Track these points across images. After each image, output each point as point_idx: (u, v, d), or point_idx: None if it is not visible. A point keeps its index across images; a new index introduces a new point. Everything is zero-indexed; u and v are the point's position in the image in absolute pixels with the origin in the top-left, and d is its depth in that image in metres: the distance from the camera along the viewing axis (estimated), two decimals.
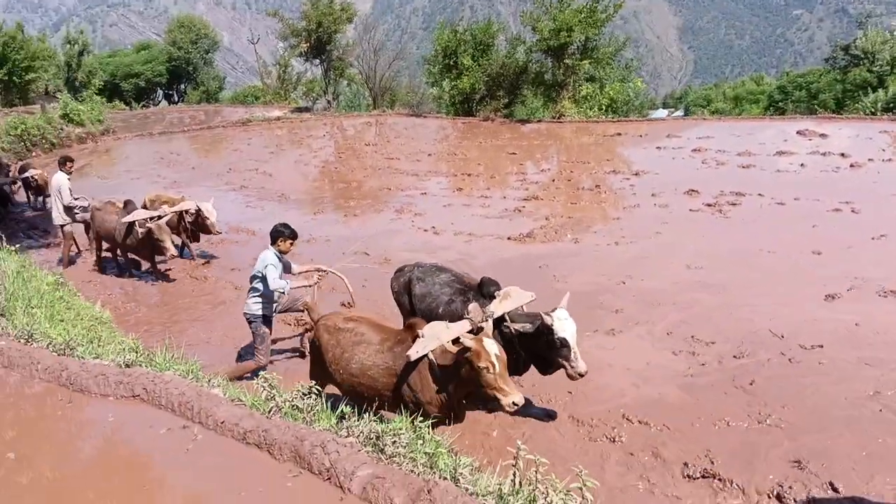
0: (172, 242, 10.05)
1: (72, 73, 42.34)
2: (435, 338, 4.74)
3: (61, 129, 25.79)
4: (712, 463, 5.10)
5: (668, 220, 11.91)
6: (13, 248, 9.17)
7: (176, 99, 50.22)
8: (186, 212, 10.48)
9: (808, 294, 8.19)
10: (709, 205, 12.63)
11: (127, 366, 4.92)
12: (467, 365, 4.55)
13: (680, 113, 63.50)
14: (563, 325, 5.16)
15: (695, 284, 8.82)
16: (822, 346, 6.74)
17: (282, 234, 6.53)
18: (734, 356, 6.71)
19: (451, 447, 4.04)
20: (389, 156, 20.54)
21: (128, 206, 10.07)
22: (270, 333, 6.87)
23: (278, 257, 6.54)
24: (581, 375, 5.21)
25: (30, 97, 35.99)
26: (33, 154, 22.97)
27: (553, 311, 5.25)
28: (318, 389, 4.45)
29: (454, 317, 5.56)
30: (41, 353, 5.36)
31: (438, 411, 4.80)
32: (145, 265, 10.80)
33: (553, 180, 15.87)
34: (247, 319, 6.73)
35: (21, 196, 16.07)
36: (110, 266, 11.24)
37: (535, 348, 5.34)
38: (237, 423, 4.09)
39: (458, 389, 4.76)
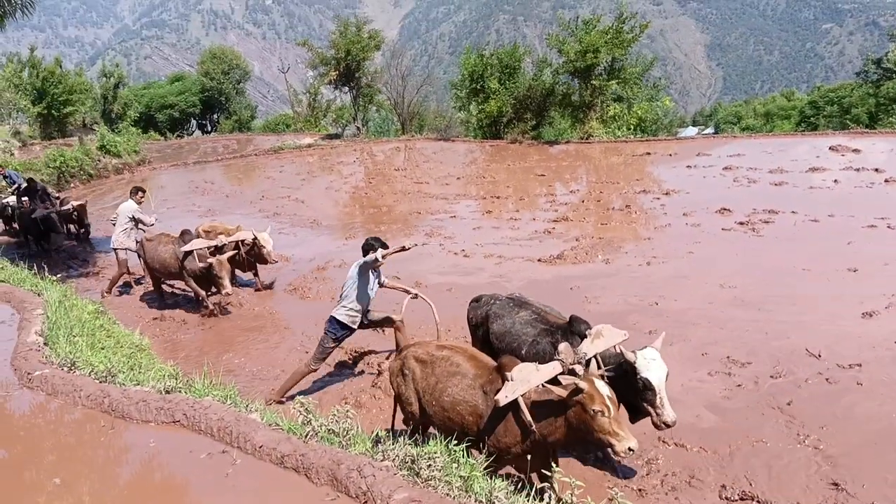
0: (230, 280, 9.83)
1: (108, 106, 43.46)
2: (525, 381, 4.40)
3: (99, 160, 26.47)
4: (751, 485, 5.03)
5: (701, 239, 11.83)
6: (54, 278, 9.43)
7: (209, 129, 51.24)
8: (243, 242, 10.37)
9: (845, 312, 8.07)
10: (741, 223, 12.52)
11: (167, 392, 5.03)
12: (577, 408, 4.17)
13: (710, 130, 63.13)
14: (649, 366, 4.73)
15: (729, 304, 8.74)
16: (860, 366, 6.63)
17: (373, 248, 6.50)
18: (771, 376, 6.62)
19: (486, 471, 4.06)
20: (419, 180, 20.71)
21: (184, 235, 10.01)
22: (337, 345, 6.99)
23: (371, 271, 6.68)
24: (668, 425, 4.78)
25: (68, 130, 37.05)
26: (72, 185, 23.61)
27: (642, 349, 4.87)
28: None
29: (540, 359, 5.08)
30: (84, 380, 5.51)
31: (518, 456, 4.49)
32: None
33: (583, 201, 15.87)
34: (326, 323, 6.90)
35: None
36: (152, 297, 11.23)
37: (617, 390, 4.56)
38: (275, 448, 4.16)
39: (559, 435, 4.36)
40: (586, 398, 4.10)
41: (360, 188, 20.88)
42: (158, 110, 47.70)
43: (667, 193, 15.57)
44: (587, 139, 25.33)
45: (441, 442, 4.14)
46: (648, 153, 21.66)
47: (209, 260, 9.49)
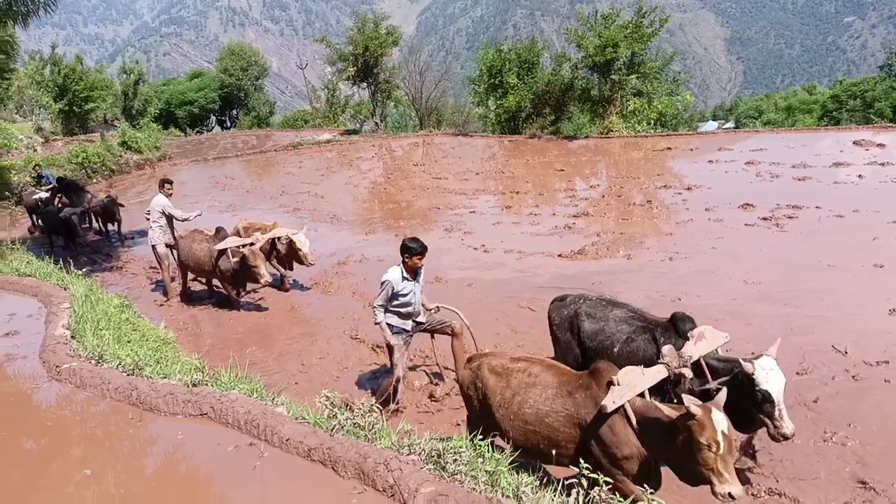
0: (266, 269, 9.63)
1: (128, 102, 43.90)
2: (631, 386, 4.17)
3: (120, 156, 26.76)
4: (776, 481, 5.00)
5: (724, 234, 11.72)
6: (80, 272, 9.54)
7: (228, 124, 51.61)
8: (279, 239, 10.26)
9: (872, 308, 7.96)
10: (765, 218, 12.39)
11: (194, 385, 5.08)
12: (684, 433, 3.80)
13: (731, 125, 62.60)
14: (768, 377, 4.40)
15: (753, 300, 8.65)
16: (887, 363, 6.55)
17: (409, 250, 6.19)
18: (796, 373, 6.55)
19: (511, 465, 4.06)
20: (437, 175, 20.71)
21: (219, 232, 9.90)
22: (405, 346, 6.60)
23: (402, 275, 6.24)
24: (786, 437, 4.46)
25: (89, 126, 37.51)
26: (94, 181, 23.85)
27: (757, 357, 4.55)
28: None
29: (633, 357, 5.04)
30: (111, 373, 5.57)
31: (635, 472, 4.13)
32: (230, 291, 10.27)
33: (603, 196, 15.78)
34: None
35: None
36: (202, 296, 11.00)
37: (731, 400, 4.20)
38: (302, 441, 4.19)
39: (662, 455, 4.08)
40: (696, 426, 3.72)
41: (378, 183, 20.91)
42: (178, 106, 48.13)
43: (688, 188, 15.45)
44: (607, 134, 25.19)
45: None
46: (669, 148, 21.50)
47: (243, 251, 9.40)
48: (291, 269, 10.78)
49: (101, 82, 38.09)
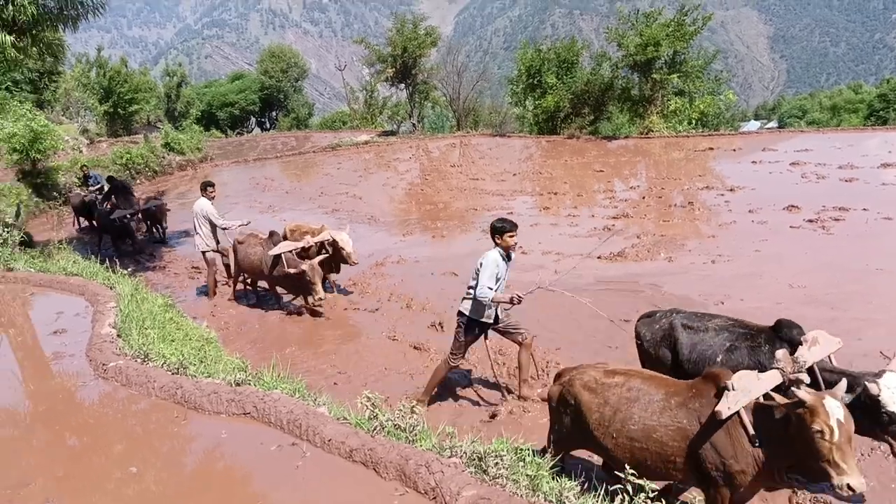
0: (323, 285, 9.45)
1: (171, 104, 44.83)
2: (746, 391, 3.90)
3: (163, 157, 27.31)
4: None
5: (768, 237, 11.48)
6: (125, 272, 9.73)
7: (268, 126, 52.35)
8: (326, 242, 10.02)
9: None
10: (810, 220, 12.11)
11: (237, 384, 5.13)
12: (796, 424, 3.62)
13: (774, 124, 61.41)
14: (894, 397, 4.13)
15: (798, 304, 8.45)
16: None
17: (499, 230, 6.12)
18: None
19: (553, 470, 4.02)
20: (474, 176, 20.68)
21: (272, 237, 9.90)
22: (475, 341, 6.47)
23: (503, 257, 6.16)
24: None
25: (133, 127, 38.40)
26: (137, 181, 24.33)
27: (879, 375, 4.27)
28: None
29: (737, 368, 4.62)
30: (157, 372, 5.67)
31: (751, 483, 3.91)
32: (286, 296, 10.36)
33: (643, 197, 15.59)
34: (458, 315, 6.43)
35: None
36: (247, 297, 10.83)
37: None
38: (343, 441, 4.21)
39: (778, 455, 3.81)
40: (808, 413, 3.52)
41: (416, 184, 20.97)
42: (219, 108, 48.97)
43: (731, 190, 15.18)
44: (647, 134, 24.90)
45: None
46: (711, 148, 21.15)
47: (302, 267, 9.15)
48: (338, 271, 10.56)
49: (144, 84, 38.99)
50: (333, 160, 27.78)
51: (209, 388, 5.10)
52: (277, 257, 9.47)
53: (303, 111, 51.94)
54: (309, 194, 20.43)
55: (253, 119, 53.23)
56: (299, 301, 9.98)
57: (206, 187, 10.43)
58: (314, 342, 8.79)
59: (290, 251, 9.55)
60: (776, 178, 16.13)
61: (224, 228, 10.46)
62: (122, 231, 14.24)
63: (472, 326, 6.33)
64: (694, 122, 25.76)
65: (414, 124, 36.50)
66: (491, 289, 5.94)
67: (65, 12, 11.84)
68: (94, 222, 16.07)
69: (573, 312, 8.45)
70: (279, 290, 10.28)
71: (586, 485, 4.15)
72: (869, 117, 43.76)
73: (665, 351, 5.57)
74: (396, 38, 33.63)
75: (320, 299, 9.24)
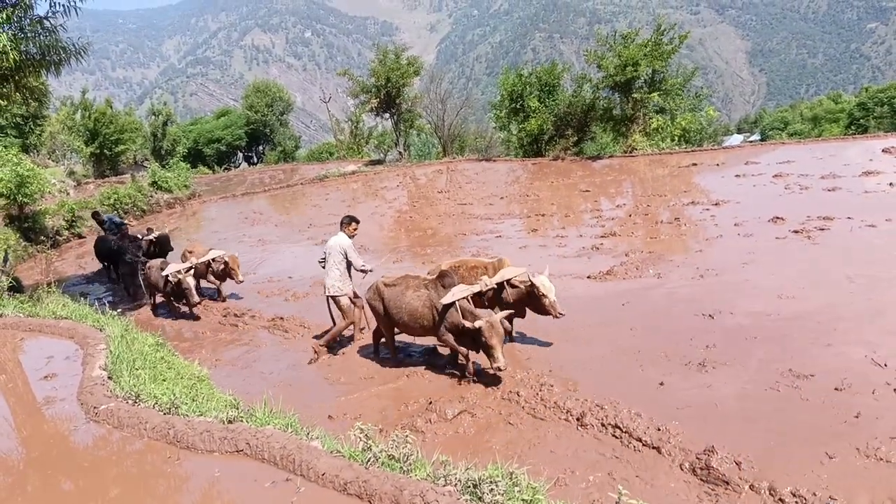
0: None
1: (157, 143, 44.91)
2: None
3: (151, 195, 27.37)
4: (814, 494, 4.86)
5: (754, 249, 11.57)
6: (115, 313, 9.69)
7: (255, 160, 52.50)
8: (508, 282, 8.19)
9: None
10: (796, 231, 12.21)
11: (230, 422, 5.11)
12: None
13: (756, 137, 62.07)
14: None
15: (788, 315, 8.50)
16: None
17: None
18: (836, 388, 6.40)
19: (547, 493, 4.01)
20: (462, 201, 20.79)
21: (444, 279, 7.76)
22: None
23: None
24: None
25: (120, 167, 38.46)
26: (126, 221, 24.28)
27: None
28: None
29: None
30: (148, 412, 5.64)
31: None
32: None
33: (630, 215, 15.70)
34: None
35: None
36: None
37: None
38: (337, 475, 4.19)
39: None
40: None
41: (404, 212, 21.05)
42: (206, 144, 49.10)
43: (716, 204, 15.31)
44: (631, 153, 25.14)
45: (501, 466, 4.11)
46: (695, 164, 21.36)
47: (478, 324, 7.03)
48: (523, 316, 8.47)
49: (130, 125, 39.10)
50: (322, 191, 27.88)
51: (201, 427, 5.08)
52: (450, 305, 7.48)
53: (289, 144, 52.14)
54: (298, 226, 20.47)
55: (240, 154, 53.37)
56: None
57: (351, 222, 8.99)
58: (287, 366, 8.74)
59: (466, 297, 7.60)
60: (760, 190, 16.29)
61: (364, 272, 8.91)
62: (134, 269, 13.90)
63: None
64: (676, 138, 26.03)
65: (400, 152, 36.72)
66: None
67: (47, 58, 11.90)
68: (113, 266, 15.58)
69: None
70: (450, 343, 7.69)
71: None
72: (850, 126, 44.31)
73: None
74: (379, 68, 33.95)
75: (498, 368, 7.04)
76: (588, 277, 11.23)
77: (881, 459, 5.24)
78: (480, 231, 16.19)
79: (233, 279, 12.44)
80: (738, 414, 6.27)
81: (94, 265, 18.63)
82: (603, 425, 6.23)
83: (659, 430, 6.07)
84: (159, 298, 12.60)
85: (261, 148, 53.03)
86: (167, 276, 11.42)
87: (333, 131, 46.84)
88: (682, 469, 5.51)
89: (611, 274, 11.24)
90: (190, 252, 13.39)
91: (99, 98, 41.73)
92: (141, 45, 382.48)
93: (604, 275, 11.23)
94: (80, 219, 23.61)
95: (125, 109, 43.58)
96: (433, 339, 8.11)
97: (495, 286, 8.16)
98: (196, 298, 11.36)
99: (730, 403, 6.48)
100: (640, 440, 5.98)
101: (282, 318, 11.03)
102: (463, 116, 38.46)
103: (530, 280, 7.99)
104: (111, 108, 38.83)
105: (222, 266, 12.38)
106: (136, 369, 6.92)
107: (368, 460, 4.32)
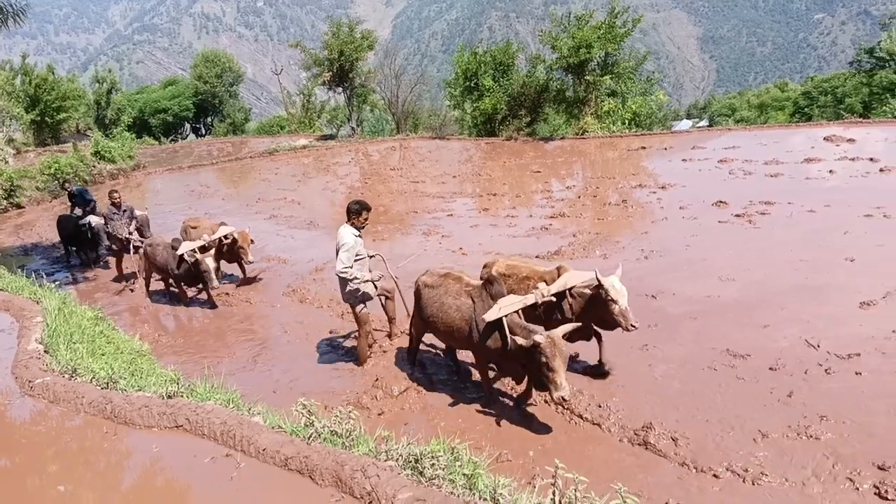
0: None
1: (101, 112, 43.48)
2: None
3: (93, 166, 26.49)
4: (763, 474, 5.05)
5: (698, 232, 11.84)
6: (52, 285, 9.41)
7: (203, 132, 51.31)
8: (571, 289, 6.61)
9: (843, 302, 8.07)
10: (738, 215, 12.53)
11: (169, 397, 5.04)
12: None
13: (704, 123, 63.25)
14: None
15: (727, 296, 8.75)
16: (859, 355, 6.64)
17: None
18: (770, 368, 6.63)
19: (488, 468, 4.07)
20: (414, 179, 20.71)
21: (490, 287, 6.26)
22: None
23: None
24: None
25: (61, 136, 37.14)
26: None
27: None
28: None
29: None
30: (85, 387, 5.52)
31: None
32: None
33: (579, 197, 15.87)
34: None
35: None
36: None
37: None
38: (278, 450, 4.18)
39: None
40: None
41: (356, 188, 20.86)
42: (152, 115, 47.80)
43: (663, 187, 15.58)
44: (582, 135, 25.34)
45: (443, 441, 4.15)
46: (644, 147, 21.67)
47: (537, 339, 5.51)
48: (589, 339, 6.87)
49: (73, 92, 37.75)
50: (271, 165, 27.43)
51: (140, 402, 4.99)
52: (494, 323, 5.99)
53: (239, 116, 51.02)
54: (246, 200, 20.11)
55: (187, 125, 52.08)
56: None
57: (361, 211, 7.45)
58: (244, 347, 8.65)
59: (518, 311, 6.10)
60: (705, 175, 16.63)
61: (341, 276, 7.42)
62: (92, 239, 13.17)
63: None
64: (627, 122, 26.32)
65: (353, 128, 36.31)
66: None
67: None
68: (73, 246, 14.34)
69: None
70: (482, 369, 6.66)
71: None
72: (794, 114, 45.37)
73: None
74: (333, 41, 33.38)
75: (562, 397, 5.51)
76: (537, 257, 11.34)
77: (811, 437, 5.46)
78: (432, 209, 16.17)
79: (240, 259, 10.91)
80: (677, 392, 6.45)
81: (31, 236, 18.05)
82: (546, 402, 6.36)
83: (600, 406, 6.22)
84: (157, 282, 11.18)
85: (209, 119, 51.80)
86: (181, 255, 9.82)
87: (285, 104, 46.07)
88: (620, 443, 5.67)
89: (559, 254, 11.37)
90: (193, 227, 11.50)
91: (41, 64, 40.16)
92: (86, 10, 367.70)
93: (552, 255, 11.36)
94: (18, 188, 22.80)
95: (68, 76, 42.02)
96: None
97: (553, 297, 6.47)
98: (216, 283, 9.87)
99: (669, 382, 6.66)
100: (581, 416, 6.12)
101: (227, 294, 10.91)
102: (417, 93, 38.15)
103: (598, 280, 6.34)
104: (53, 74, 37.40)
105: (229, 243, 10.60)
106: (74, 343, 6.77)
107: (311, 436, 4.31)
